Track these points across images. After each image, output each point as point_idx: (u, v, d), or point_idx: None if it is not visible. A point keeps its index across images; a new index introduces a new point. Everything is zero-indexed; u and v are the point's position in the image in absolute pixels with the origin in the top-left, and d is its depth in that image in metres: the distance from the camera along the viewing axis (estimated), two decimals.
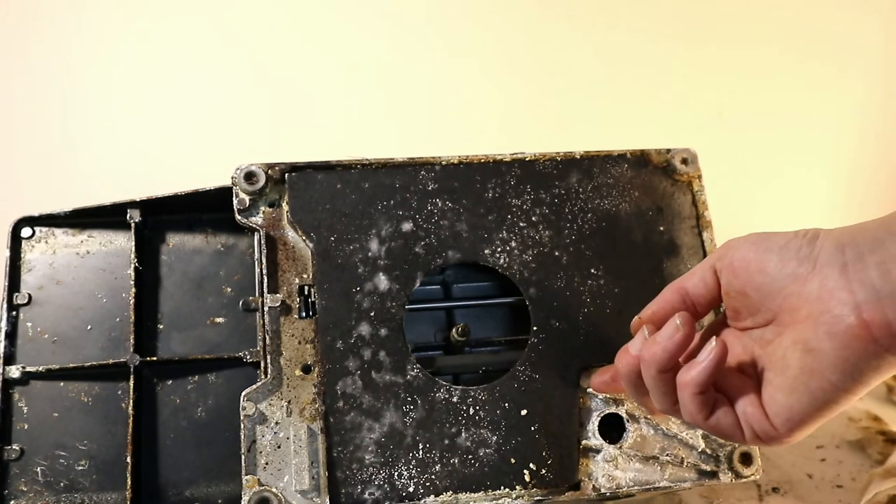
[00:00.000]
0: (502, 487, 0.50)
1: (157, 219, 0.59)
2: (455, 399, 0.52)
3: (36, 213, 0.58)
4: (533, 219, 0.56)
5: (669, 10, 0.93)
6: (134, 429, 0.53)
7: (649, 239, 0.57)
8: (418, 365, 0.52)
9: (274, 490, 0.47)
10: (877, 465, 0.70)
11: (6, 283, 0.56)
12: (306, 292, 0.53)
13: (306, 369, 0.51)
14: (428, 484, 0.50)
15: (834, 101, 0.93)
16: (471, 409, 0.52)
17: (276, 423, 0.49)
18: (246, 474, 0.48)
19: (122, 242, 0.59)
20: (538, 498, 0.51)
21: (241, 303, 0.57)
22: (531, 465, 0.51)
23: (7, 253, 0.57)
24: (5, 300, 0.56)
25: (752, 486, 0.68)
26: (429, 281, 0.59)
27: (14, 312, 0.56)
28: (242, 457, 0.48)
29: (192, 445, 0.55)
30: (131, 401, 0.53)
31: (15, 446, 0.53)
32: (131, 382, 0.54)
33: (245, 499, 0.47)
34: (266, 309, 0.51)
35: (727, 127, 0.89)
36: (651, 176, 0.59)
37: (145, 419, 0.55)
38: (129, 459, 0.52)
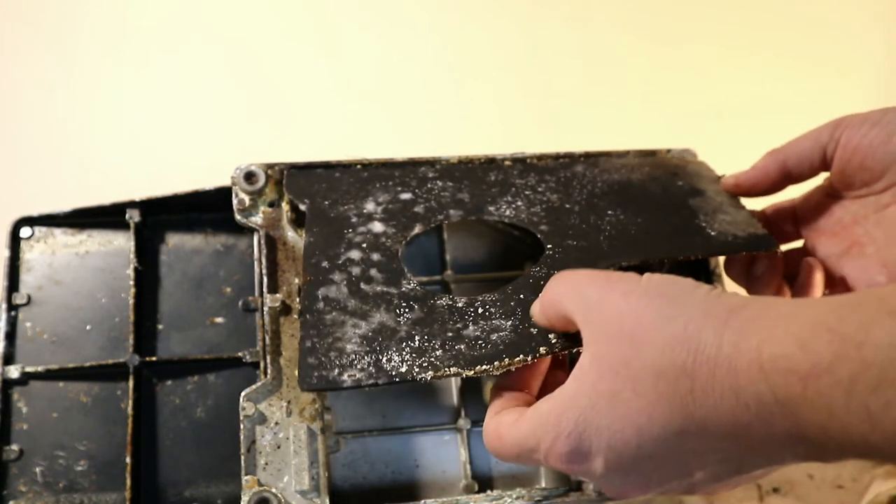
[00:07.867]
0: (521, 356, 0.44)
1: (156, 219, 0.59)
2: (460, 304, 0.47)
3: (35, 213, 0.58)
4: (540, 189, 0.55)
5: (670, 9, 0.93)
6: (133, 429, 0.53)
7: (668, 190, 0.55)
8: (415, 280, 0.48)
9: (273, 490, 0.47)
10: (877, 465, 0.70)
11: (5, 284, 0.56)
12: None
13: None
14: (426, 364, 0.44)
15: (834, 101, 0.92)
16: (479, 308, 0.47)
17: (276, 423, 0.49)
18: (245, 475, 0.48)
19: (122, 242, 0.58)
20: (538, 498, 0.51)
21: (240, 303, 0.57)
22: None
23: (6, 253, 0.57)
24: (4, 300, 0.56)
25: (753, 487, 0.68)
26: (428, 282, 0.59)
27: (13, 312, 0.56)
28: (242, 457, 0.48)
29: (191, 445, 0.54)
30: (131, 401, 0.53)
31: (14, 446, 0.53)
32: (131, 382, 0.54)
33: (245, 499, 0.47)
34: (266, 309, 0.51)
35: (727, 127, 0.89)
36: (659, 158, 0.58)
37: (145, 419, 0.55)
38: (128, 460, 0.52)
